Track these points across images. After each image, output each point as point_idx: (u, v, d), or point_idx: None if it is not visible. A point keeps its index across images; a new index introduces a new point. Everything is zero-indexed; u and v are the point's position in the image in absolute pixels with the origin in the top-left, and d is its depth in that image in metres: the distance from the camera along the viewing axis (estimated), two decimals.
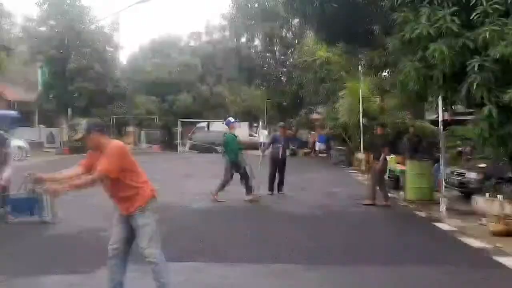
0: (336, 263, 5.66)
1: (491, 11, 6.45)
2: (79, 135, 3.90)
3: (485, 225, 7.56)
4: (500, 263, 5.65)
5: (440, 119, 8.91)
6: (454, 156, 14.13)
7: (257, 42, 32.46)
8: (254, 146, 25.47)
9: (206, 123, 34.54)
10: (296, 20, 26.30)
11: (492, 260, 5.82)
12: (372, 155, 10.76)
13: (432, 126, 16.82)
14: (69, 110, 26.67)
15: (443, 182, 8.87)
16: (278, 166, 11.11)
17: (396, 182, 12.33)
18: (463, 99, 7.08)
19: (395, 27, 7.56)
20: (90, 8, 28.06)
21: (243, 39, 31.92)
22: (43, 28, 27.53)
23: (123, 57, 57.92)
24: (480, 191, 9.36)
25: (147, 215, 3.96)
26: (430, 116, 18.49)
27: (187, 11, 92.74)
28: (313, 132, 29.28)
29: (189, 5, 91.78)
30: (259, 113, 33.80)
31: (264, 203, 9.85)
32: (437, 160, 10.80)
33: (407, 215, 9.11)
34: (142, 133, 36.23)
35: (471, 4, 6.66)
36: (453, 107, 8.40)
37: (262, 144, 18.46)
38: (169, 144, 32.54)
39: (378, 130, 10.63)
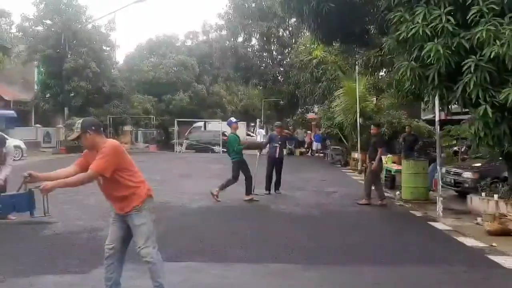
0: (335, 263, 5.67)
1: (486, 10, 6.48)
2: (75, 135, 3.89)
3: (481, 225, 7.59)
4: (496, 263, 5.68)
5: (437, 118, 8.92)
6: (450, 156, 14.20)
7: (254, 41, 32.54)
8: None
9: (202, 122, 34.50)
10: (293, 20, 26.34)
11: (488, 260, 5.84)
12: (367, 155, 10.76)
13: (428, 126, 16.88)
14: (66, 110, 26.63)
15: (440, 182, 8.88)
16: (275, 165, 11.15)
17: (392, 182, 12.37)
18: (459, 99, 7.10)
19: (391, 26, 7.57)
20: (86, 8, 28.35)
21: (240, 39, 31.95)
22: (39, 28, 27.56)
23: (120, 57, 58.07)
24: (475, 190, 9.39)
25: (144, 214, 3.95)
26: (426, 116, 18.54)
27: (184, 11, 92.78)
28: (309, 131, 29.32)
29: (186, 4, 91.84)
30: (256, 113, 33.82)
31: (262, 203, 9.84)
32: (433, 160, 10.83)
33: (404, 215, 9.14)
34: (139, 132, 36.19)
35: (467, 3, 6.68)
36: (449, 106, 8.40)
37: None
38: (165, 143, 32.50)
39: (373, 130, 10.60)
